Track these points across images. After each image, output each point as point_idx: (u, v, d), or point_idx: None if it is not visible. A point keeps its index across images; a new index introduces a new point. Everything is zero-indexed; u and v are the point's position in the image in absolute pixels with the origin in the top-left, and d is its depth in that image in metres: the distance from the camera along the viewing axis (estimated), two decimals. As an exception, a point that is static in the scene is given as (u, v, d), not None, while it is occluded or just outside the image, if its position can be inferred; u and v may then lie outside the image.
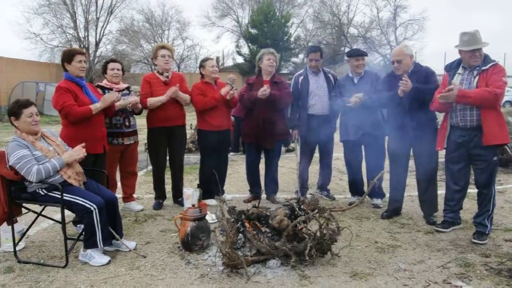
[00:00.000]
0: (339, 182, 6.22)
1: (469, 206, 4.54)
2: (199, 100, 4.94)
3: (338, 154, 6.07)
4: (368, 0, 38.52)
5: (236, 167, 6.91)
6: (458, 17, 60.39)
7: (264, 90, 4.78)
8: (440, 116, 4.42)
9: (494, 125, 3.81)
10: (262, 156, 5.35)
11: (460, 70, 4.04)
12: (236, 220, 3.54)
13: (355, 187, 5.20)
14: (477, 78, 3.87)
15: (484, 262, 3.54)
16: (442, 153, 4.29)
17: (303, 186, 5.32)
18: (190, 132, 7.19)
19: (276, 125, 4.91)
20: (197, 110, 5.05)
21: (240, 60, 34.54)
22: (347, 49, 36.23)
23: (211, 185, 4.96)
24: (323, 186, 5.47)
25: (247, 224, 3.59)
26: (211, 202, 4.97)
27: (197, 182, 5.31)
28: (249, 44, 32.90)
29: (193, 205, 3.93)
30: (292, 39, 33.48)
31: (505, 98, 28.44)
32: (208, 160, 5.08)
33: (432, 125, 4.39)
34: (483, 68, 3.86)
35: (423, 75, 4.39)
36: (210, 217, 4.32)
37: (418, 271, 3.39)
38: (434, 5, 60.43)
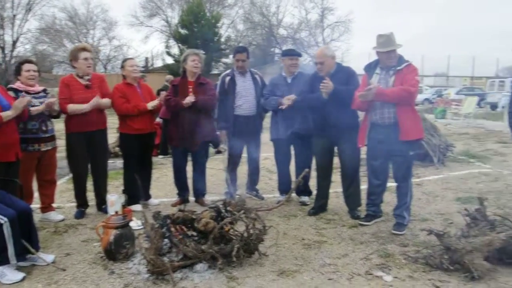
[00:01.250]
0: (269, 181, 6.28)
1: (390, 199, 4.75)
2: (120, 104, 4.75)
3: (268, 154, 6.14)
4: (296, 2, 39.58)
5: (165, 170, 6.76)
6: (381, 19, 63.66)
7: (189, 100, 4.72)
8: (361, 115, 4.59)
9: (410, 121, 4.04)
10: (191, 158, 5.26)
11: (377, 71, 4.24)
12: (161, 225, 3.45)
13: (284, 186, 5.28)
14: (393, 77, 4.08)
15: (403, 251, 3.74)
16: (364, 150, 4.47)
17: (232, 187, 5.31)
18: (115, 136, 6.91)
19: (201, 127, 4.85)
20: (118, 114, 4.87)
21: (169, 60, 33.91)
22: (277, 50, 36.92)
23: (136, 190, 4.80)
24: (251, 186, 5.50)
25: (172, 229, 3.51)
26: (137, 207, 4.80)
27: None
28: (179, 45, 32.42)
29: (116, 212, 3.77)
30: (222, 39, 33.44)
31: (424, 96, 30.46)
32: (131, 164, 4.91)
33: (354, 123, 4.55)
34: (398, 68, 4.09)
35: (345, 76, 4.54)
36: (135, 224, 4.18)
37: (342, 265, 3.50)
38: (359, 8, 63.39)
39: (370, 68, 4.30)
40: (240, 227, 3.57)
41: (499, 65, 44.72)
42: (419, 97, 31.06)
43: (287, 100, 4.76)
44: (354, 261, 3.58)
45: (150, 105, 4.82)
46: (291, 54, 5.11)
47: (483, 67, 43.23)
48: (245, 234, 3.47)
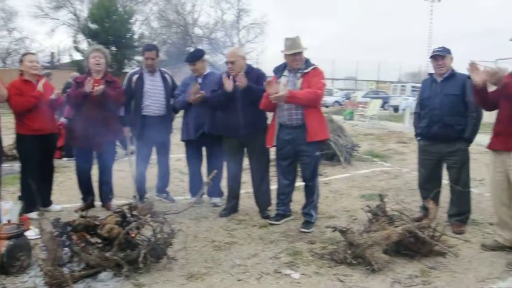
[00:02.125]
0: (180, 183, 6.16)
1: (299, 198, 4.88)
2: (16, 100, 4.37)
3: (181, 155, 6.02)
4: (212, 2, 39.50)
5: (69, 173, 6.34)
6: (296, 23, 65.87)
7: (97, 88, 4.46)
8: (270, 116, 4.67)
9: (316, 123, 4.20)
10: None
11: (286, 73, 4.35)
12: (61, 233, 3.21)
13: (195, 188, 5.21)
14: (300, 80, 4.22)
15: (310, 248, 3.85)
16: (273, 150, 4.55)
17: (141, 190, 5.13)
18: (14, 137, 6.35)
19: (107, 126, 4.61)
20: (15, 112, 4.48)
21: (78, 56, 31.96)
22: (192, 49, 36.56)
23: (34, 196, 4.43)
24: (161, 189, 5.35)
25: (74, 237, 3.29)
26: (35, 215, 4.44)
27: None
28: (89, 40, 30.60)
29: (9, 221, 3.45)
30: (136, 36, 32.30)
31: (334, 98, 32.00)
32: (29, 168, 4.53)
33: (263, 124, 4.62)
34: (305, 71, 4.23)
35: (254, 77, 4.58)
36: (33, 232, 3.87)
37: (252, 265, 3.53)
38: (275, 11, 65.01)
39: (278, 71, 4.40)
40: (148, 231, 3.45)
41: (401, 71, 48.44)
42: (330, 99, 32.67)
43: (193, 94, 4.67)
44: (264, 260, 3.62)
45: (40, 86, 4.48)
46: (189, 60, 4.96)
47: (388, 72, 46.55)
48: (152, 239, 3.36)
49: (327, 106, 30.44)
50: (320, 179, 6.48)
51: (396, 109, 24.55)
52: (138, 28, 34.71)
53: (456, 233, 4.15)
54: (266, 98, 4.19)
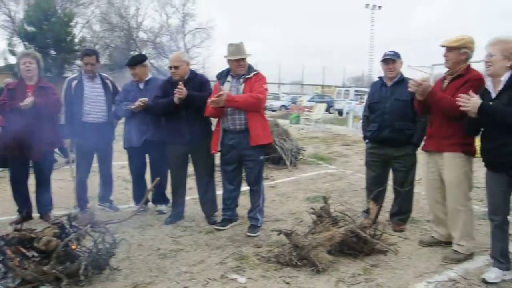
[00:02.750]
0: (124, 191, 5.99)
1: (246, 203, 4.90)
2: None
3: (124, 162, 5.85)
4: (157, 5, 38.89)
5: (4, 184, 6.01)
6: (243, 28, 66.23)
7: (27, 101, 4.25)
8: (214, 122, 4.66)
9: (259, 127, 4.23)
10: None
11: (229, 78, 4.36)
12: (-7, 248, 3.03)
13: (139, 195, 5.08)
14: (243, 85, 4.25)
15: (257, 252, 3.87)
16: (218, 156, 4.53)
17: (82, 199, 4.95)
18: None
19: (44, 134, 4.41)
20: None
21: (13, 60, 30.40)
22: (136, 53, 35.80)
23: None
24: (104, 197, 5.18)
25: (8, 251, 3.11)
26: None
27: None
28: (25, 43, 29.27)
29: None
30: (76, 40, 31.20)
31: (281, 103, 32.45)
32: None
33: (207, 130, 4.60)
34: (248, 76, 4.27)
35: (198, 83, 4.55)
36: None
37: (198, 271, 3.50)
38: (221, 15, 65.01)
39: (222, 76, 4.41)
40: (90, 242, 3.33)
41: (345, 75, 50.04)
42: (277, 104, 33.13)
43: (138, 102, 4.56)
44: (210, 266, 3.60)
45: None
46: (129, 64, 4.82)
47: (333, 77, 47.96)
48: (94, 250, 3.24)
49: (274, 111, 30.87)
50: (267, 183, 6.59)
51: (340, 112, 25.25)
52: (79, 31, 33.57)
53: (396, 231, 4.32)
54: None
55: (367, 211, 4.31)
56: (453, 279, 3.37)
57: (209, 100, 4.13)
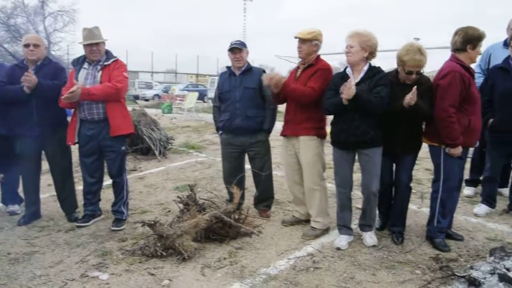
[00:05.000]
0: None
1: (110, 197, 4.67)
2: None
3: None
4: (9, -18, 34.70)
5: None
6: (112, 13, 62.63)
7: None
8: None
9: (119, 117, 4.06)
10: None
11: (85, 65, 4.10)
12: None
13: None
14: (100, 72, 4.02)
15: (121, 246, 3.75)
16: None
17: None
18: None
19: None
20: None
21: None
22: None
23: None
24: None
25: None
26: None
27: None
28: None
29: None
30: None
31: (154, 92, 31.68)
32: None
33: (61, 121, 4.28)
34: (106, 63, 4.06)
35: (52, 70, 4.20)
36: None
37: (55, 273, 3.28)
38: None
39: (78, 63, 4.13)
40: None
41: (219, 64, 50.56)
42: (150, 93, 32.25)
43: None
44: (69, 266, 3.39)
45: None
46: None
47: (206, 66, 48.15)
48: None
49: (147, 100, 30.00)
50: (135, 174, 6.43)
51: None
52: None
53: (263, 217, 4.48)
54: None
55: (230, 201, 4.42)
56: (310, 253, 3.64)
57: (62, 96, 3.81)
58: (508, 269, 2.89)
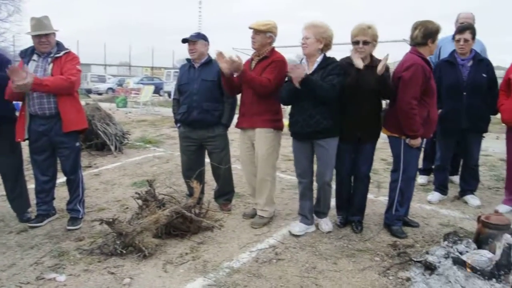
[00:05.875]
0: None
1: (66, 195, 4.50)
2: None
3: None
4: None
5: None
6: (61, 2, 60.01)
7: None
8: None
9: (72, 112, 3.90)
10: None
11: (35, 57, 3.90)
12: None
13: None
14: (51, 65, 3.84)
15: (78, 246, 3.63)
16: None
17: None
18: None
19: None
20: None
21: None
22: None
23: None
24: None
25: None
26: None
27: None
28: None
29: None
30: None
31: (108, 85, 30.81)
32: None
33: (9, 115, 4.05)
34: (57, 55, 3.88)
35: None
36: None
37: (8, 277, 3.13)
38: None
39: (26, 55, 3.92)
40: None
41: (175, 57, 49.76)
42: (103, 86, 31.32)
43: None
44: (23, 269, 3.24)
45: None
46: None
47: (162, 58, 47.32)
48: None
49: (100, 94, 29.11)
50: (90, 171, 6.23)
51: (170, 94, 25.12)
52: None
53: (224, 211, 4.45)
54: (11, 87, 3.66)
55: (190, 195, 4.38)
56: (273, 245, 3.67)
57: (12, 84, 3.60)
58: (461, 253, 3.02)
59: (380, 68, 3.47)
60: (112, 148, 7.28)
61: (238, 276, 3.13)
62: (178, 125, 4.51)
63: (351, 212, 4.05)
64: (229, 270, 3.22)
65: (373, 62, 3.64)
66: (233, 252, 3.55)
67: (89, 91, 29.07)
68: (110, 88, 30.02)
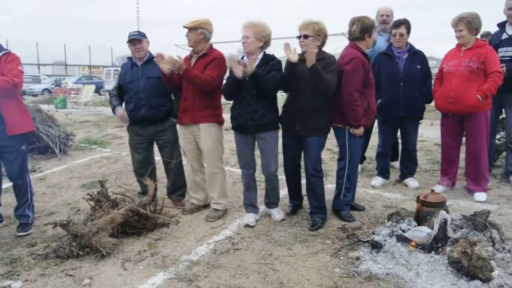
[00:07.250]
0: None
1: (11, 201, 4.36)
2: None
3: None
4: None
5: None
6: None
7: None
8: None
9: (16, 114, 3.79)
10: None
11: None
12: None
13: None
14: (-10, 67, 3.69)
15: (31, 251, 3.55)
16: None
17: None
18: None
19: None
20: None
21: None
22: None
23: None
24: None
25: None
26: None
27: None
28: None
29: None
30: None
31: (43, 86, 29.36)
32: None
33: None
34: (-3, 57, 3.73)
35: None
36: None
37: (-43, 290, 3.01)
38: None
39: (-37, 58, 3.74)
40: None
41: (114, 54, 48.09)
42: (38, 87, 29.79)
43: None
44: (-26, 279, 3.13)
45: None
46: None
47: (100, 56, 45.61)
48: None
49: (35, 95, 27.67)
50: (35, 175, 6.03)
51: (111, 93, 24.41)
52: None
53: (178, 206, 4.48)
54: None
55: (143, 193, 4.40)
56: (229, 236, 3.77)
57: None
58: (403, 231, 3.29)
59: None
60: (57, 150, 7.05)
61: (198, 268, 3.21)
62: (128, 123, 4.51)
63: (312, 210, 4.02)
64: (189, 263, 3.29)
65: (320, 56, 3.73)
66: (191, 245, 3.62)
67: (23, 93, 27.58)
68: (46, 89, 28.66)
